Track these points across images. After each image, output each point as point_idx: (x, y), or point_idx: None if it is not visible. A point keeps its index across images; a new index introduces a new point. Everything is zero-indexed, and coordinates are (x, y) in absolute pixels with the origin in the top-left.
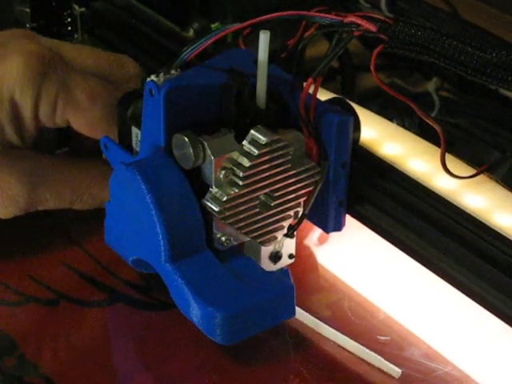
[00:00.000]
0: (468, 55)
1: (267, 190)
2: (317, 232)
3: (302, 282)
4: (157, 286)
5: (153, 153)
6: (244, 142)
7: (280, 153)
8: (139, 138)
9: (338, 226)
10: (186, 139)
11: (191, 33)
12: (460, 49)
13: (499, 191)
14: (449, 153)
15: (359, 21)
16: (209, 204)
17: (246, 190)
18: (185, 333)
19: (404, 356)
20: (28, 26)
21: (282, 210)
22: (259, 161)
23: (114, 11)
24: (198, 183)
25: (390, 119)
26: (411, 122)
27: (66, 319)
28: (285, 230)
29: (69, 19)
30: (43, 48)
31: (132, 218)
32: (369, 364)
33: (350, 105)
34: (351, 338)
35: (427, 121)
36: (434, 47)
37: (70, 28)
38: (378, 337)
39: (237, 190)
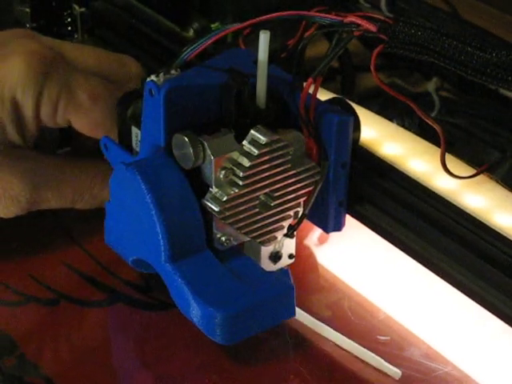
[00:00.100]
0: (468, 55)
1: (267, 190)
2: (317, 232)
3: (301, 282)
4: (157, 285)
5: (153, 153)
6: (244, 142)
7: (280, 153)
8: (139, 138)
9: (338, 226)
10: (186, 139)
11: (191, 33)
12: (460, 49)
13: (499, 191)
14: (449, 153)
15: (359, 21)
16: (209, 204)
17: (245, 190)
18: (185, 333)
19: (404, 356)
20: (28, 25)
21: (281, 210)
22: (259, 161)
23: (114, 11)
24: (197, 183)
25: (390, 119)
26: (411, 122)
27: (66, 319)
28: (285, 230)
29: (69, 19)
30: (45, 48)
31: (132, 217)
32: (369, 364)
33: (349, 105)
34: (351, 338)
35: (427, 121)
36: (434, 47)
37: (70, 28)
38: (378, 337)
39: (237, 190)
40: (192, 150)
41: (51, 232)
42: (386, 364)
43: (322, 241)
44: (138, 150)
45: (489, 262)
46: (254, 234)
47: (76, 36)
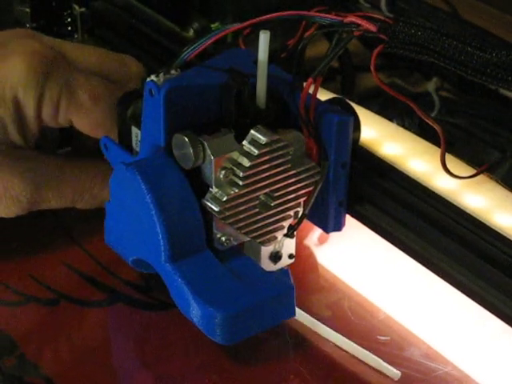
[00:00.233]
0: (468, 55)
1: (267, 190)
2: (317, 232)
3: (302, 282)
4: (157, 285)
5: (153, 153)
6: (244, 142)
7: (280, 153)
8: (139, 137)
9: (338, 226)
10: (186, 139)
11: (191, 33)
12: (460, 49)
13: (499, 191)
14: (449, 153)
15: (359, 21)
16: (209, 204)
17: (245, 190)
18: (185, 333)
19: (404, 356)
20: (28, 26)
21: (282, 210)
22: (259, 161)
23: (114, 11)
24: (197, 183)
25: (390, 119)
26: (411, 122)
27: (66, 319)
28: (285, 230)
29: (69, 19)
30: (46, 47)
31: (132, 218)
32: (368, 365)
33: (349, 105)
34: (351, 338)
35: (427, 121)
36: (434, 47)
37: (70, 28)
38: (378, 337)
39: (237, 190)
40: (192, 150)
41: (51, 232)
42: (386, 365)
43: (322, 241)
44: (137, 149)
45: (489, 262)
46: (254, 234)
47: (76, 36)
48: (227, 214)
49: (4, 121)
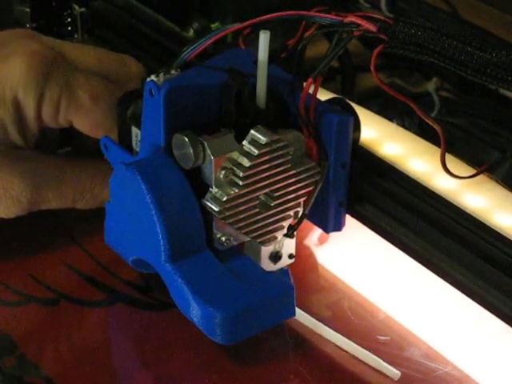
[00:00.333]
0: (468, 55)
1: (267, 190)
2: (317, 232)
3: (302, 282)
4: (157, 285)
5: (153, 153)
6: (244, 142)
7: (280, 153)
8: (139, 137)
9: (338, 226)
10: (186, 139)
11: (191, 33)
12: (460, 49)
13: (499, 191)
14: (449, 153)
15: (359, 21)
16: (209, 204)
17: (245, 190)
18: (185, 333)
19: (404, 356)
20: (28, 25)
21: (281, 210)
22: (259, 161)
23: (114, 11)
24: (197, 183)
25: (390, 119)
26: (411, 122)
27: (66, 319)
28: (285, 230)
29: (69, 19)
30: (46, 48)
31: (132, 218)
32: (368, 365)
33: (349, 105)
34: (351, 338)
35: (427, 121)
36: (434, 47)
37: (70, 28)
38: (378, 337)
39: (237, 190)
40: (192, 150)
41: (51, 232)
42: (386, 365)
43: (322, 241)
44: (137, 150)
45: (489, 262)
46: (254, 234)
47: (76, 36)
48: (227, 214)
49: (4, 121)
